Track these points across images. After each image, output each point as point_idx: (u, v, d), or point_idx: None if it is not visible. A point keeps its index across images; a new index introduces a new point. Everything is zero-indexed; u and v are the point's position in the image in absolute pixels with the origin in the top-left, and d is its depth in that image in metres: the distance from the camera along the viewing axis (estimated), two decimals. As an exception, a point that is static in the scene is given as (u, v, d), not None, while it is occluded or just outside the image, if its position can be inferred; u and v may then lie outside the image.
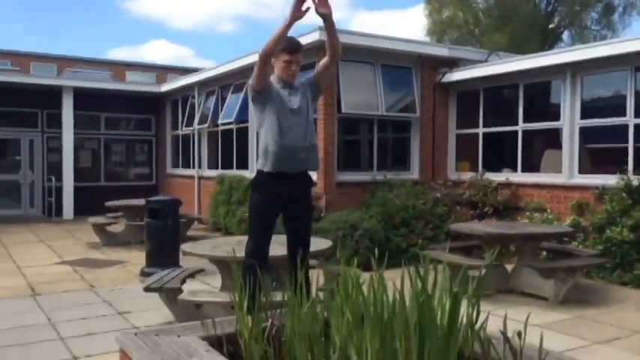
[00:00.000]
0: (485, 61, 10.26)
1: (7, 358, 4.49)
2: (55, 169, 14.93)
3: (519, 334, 2.75)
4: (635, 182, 7.36)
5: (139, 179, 16.88)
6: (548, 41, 35.42)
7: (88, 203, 14.09)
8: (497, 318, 2.79)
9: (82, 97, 14.85)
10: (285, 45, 3.76)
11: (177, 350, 3.02)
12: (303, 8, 3.62)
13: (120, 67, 34.02)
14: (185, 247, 5.28)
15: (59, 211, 14.62)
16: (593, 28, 35.78)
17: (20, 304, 6.26)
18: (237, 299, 3.31)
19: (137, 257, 9.02)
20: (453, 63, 10.31)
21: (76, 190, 14.72)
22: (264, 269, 3.68)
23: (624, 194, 7.34)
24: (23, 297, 6.58)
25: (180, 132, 15.30)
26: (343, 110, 9.50)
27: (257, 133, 10.83)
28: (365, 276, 2.98)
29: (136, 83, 17.67)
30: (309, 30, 9.23)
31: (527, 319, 2.67)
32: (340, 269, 3.14)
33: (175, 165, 15.94)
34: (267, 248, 3.88)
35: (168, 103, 16.13)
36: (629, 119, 7.74)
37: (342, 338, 2.88)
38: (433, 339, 2.69)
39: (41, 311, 5.93)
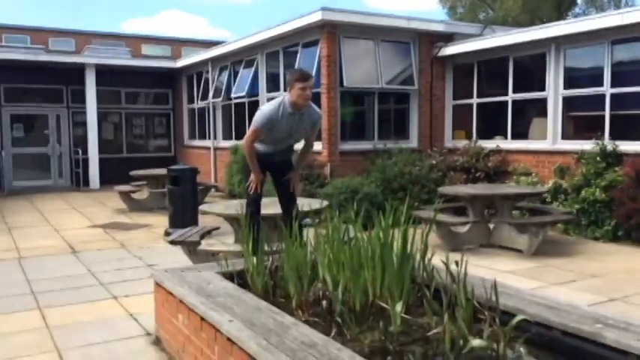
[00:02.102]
0: (480, 35, 10.88)
1: (64, 296, 5.48)
2: (81, 142, 15.96)
3: (457, 262, 3.61)
4: (609, 147, 8.07)
5: (159, 150, 17.86)
6: (562, 7, 35.17)
7: (111, 173, 15.15)
8: (475, 267, 3.57)
9: (104, 73, 15.75)
10: (299, 75, 4.58)
11: (198, 281, 3.94)
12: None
13: (136, 41, 34.68)
14: (203, 207, 6.19)
15: (86, 181, 15.69)
16: (606, -7, 35.36)
17: (64, 259, 7.25)
18: (245, 243, 4.21)
19: (160, 221, 9.99)
20: (449, 37, 10.96)
21: (101, 161, 15.77)
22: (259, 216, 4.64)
23: (599, 158, 8.08)
24: (65, 254, 7.57)
25: (195, 105, 16.16)
26: (345, 84, 10.25)
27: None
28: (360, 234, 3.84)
29: (153, 58, 18.56)
30: (310, 11, 9.93)
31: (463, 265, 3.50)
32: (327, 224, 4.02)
33: (192, 137, 16.85)
34: (260, 199, 4.86)
35: (184, 77, 16.96)
36: (606, 89, 8.41)
37: (324, 269, 3.76)
38: (390, 268, 3.57)
39: (82, 264, 6.91)
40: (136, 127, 17.93)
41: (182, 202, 8.50)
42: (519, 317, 2.81)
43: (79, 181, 15.87)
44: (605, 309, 4.16)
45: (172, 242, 5.89)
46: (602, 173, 7.97)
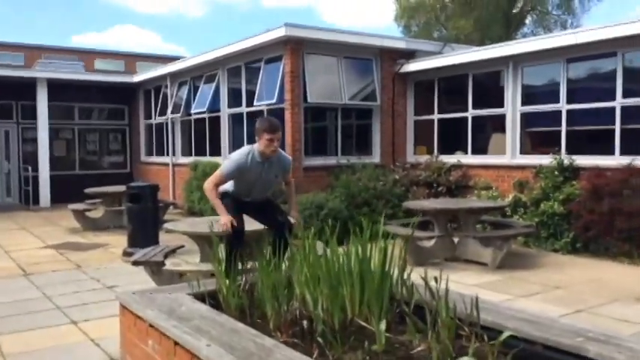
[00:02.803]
0: (440, 52, 11.10)
1: (18, 322, 5.17)
2: (31, 159, 15.35)
3: (435, 279, 3.58)
4: (566, 161, 8.31)
5: (114, 167, 17.37)
6: (511, 26, 36.44)
7: (64, 191, 14.58)
8: (442, 282, 3.52)
9: (56, 88, 15.24)
10: (267, 126, 4.41)
11: (169, 303, 3.77)
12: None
13: (88, 55, 33.93)
14: (167, 225, 5.99)
15: (36, 199, 15.07)
16: (554, 13, 36.79)
17: (15, 282, 6.88)
18: (217, 263, 4.08)
19: (118, 240, 9.66)
20: (410, 54, 11.12)
21: (52, 178, 15.19)
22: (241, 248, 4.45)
23: (556, 172, 8.30)
24: (16, 276, 7.18)
25: (153, 121, 15.82)
26: (309, 100, 10.24)
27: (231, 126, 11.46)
28: (328, 249, 3.76)
29: (109, 73, 18.12)
30: (274, 26, 9.91)
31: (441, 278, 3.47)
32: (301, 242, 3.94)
33: (149, 153, 16.48)
34: (243, 231, 4.60)
35: (141, 92, 16.61)
36: (562, 105, 8.68)
37: (302, 287, 3.67)
38: (369, 284, 3.51)
39: (35, 287, 6.56)
40: (90, 144, 17.40)
41: (142, 221, 8.24)
42: (507, 333, 2.79)
43: (28, 200, 15.24)
44: (573, 321, 4.21)
45: (135, 263, 5.66)
46: (560, 187, 8.19)
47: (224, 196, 4.62)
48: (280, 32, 9.82)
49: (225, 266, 4.06)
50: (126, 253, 8.23)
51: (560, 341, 2.93)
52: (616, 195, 7.32)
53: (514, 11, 36.83)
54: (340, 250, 3.74)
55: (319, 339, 3.22)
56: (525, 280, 6.50)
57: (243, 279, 4.08)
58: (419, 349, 3.04)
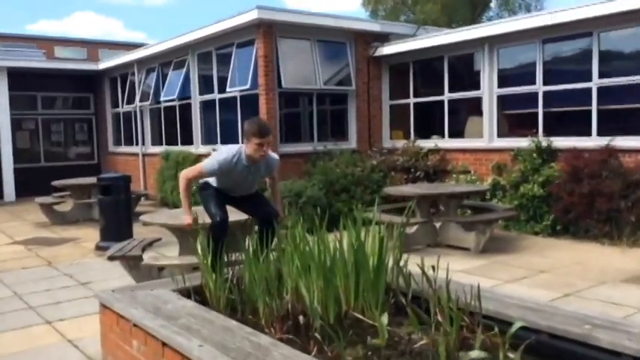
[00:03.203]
0: (414, 35, 10.96)
1: (-14, 325, 4.87)
2: (-7, 152, 14.70)
3: (433, 267, 3.46)
4: (544, 144, 8.31)
5: (81, 158, 16.81)
6: (477, 10, 36.74)
7: (29, 185, 14.06)
8: (428, 268, 3.40)
9: (16, 76, 14.59)
10: (256, 130, 4.10)
11: (153, 300, 3.56)
12: None
13: (48, 43, 32.84)
14: (145, 217, 5.73)
15: (0, 193, 14.48)
16: (519, -4, 37.10)
17: (-18, 281, 6.53)
18: (202, 256, 3.88)
19: (89, 234, 9.32)
20: (384, 37, 10.96)
21: (16, 171, 14.61)
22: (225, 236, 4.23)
23: (535, 155, 8.29)
24: (-17, 275, 6.83)
25: (120, 110, 15.33)
26: (283, 85, 10.00)
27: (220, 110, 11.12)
28: (309, 238, 3.59)
29: (72, 61, 17.47)
30: (247, 9, 9.62)
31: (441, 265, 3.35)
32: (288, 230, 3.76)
33: (118, 143, 15.99)
34: (226, 219, 4.37)
35: (106, 80, 16.06)
36: (539, 87, 8.66)
37: (293, 280, 3.50)
38: (366, 275, 3.37)
39: (4, 286, 6.23)
40: (55, 134, 16.76)
41: (115, 213, 7.95)
42: (518, 324, 2.69)
43: (-9, 194, 14.63)
44: (564, 305, 4.17)
45: (111, 258, 5.40)
46: (539, 169, 8.18)
47: (206, 187, 4.39)
48: (252, 15, 9.53)
49: (211, 259, 3.86)
50: (98, 248, 7.93)
51: (569, 330, 2.84)
52: (595, 176, 7.34)
53: (479, -5, 37.01)
54: (331, 238, 3.59)
55: (316, 335, 3.08)
56: (510, 264, 6.47)
57: (230, 272, 3.90)
58: (422, 342, 2.92)
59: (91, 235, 9.12)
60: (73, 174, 12.77)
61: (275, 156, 4.51)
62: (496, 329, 2.72)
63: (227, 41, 10.74)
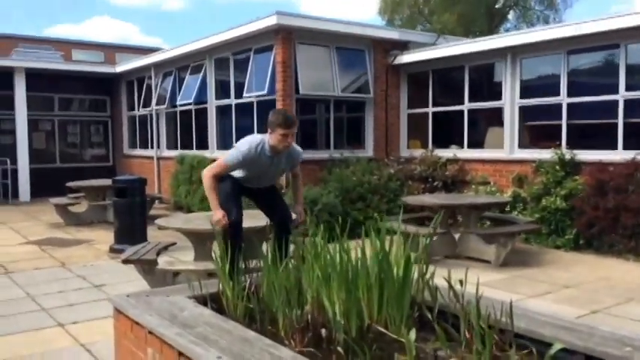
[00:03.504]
0: (434, 44, 10.84)
1: (1, 326, 4.79)
2: (10, 152, 14.76)
3: (460, 282, 3.32)
4: (567, 156, 8.13)
5: (96, 160, 16.86)
6: (494, 21, 36.60)
7: (44, 185, 14.09)
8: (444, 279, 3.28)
9: (35, 77, 14.68)
10: (282, 121, 4.01)
11: (169, 307, 3.45)
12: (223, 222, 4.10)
13: (65, 46, 33.07)
14: (160, 221, 5.64)
15: (15, 193, 14.53)
16: (536, 8, 36.98)
17: (-5, 281, 6.48)
18: (219, 264, 3.76)
19: (103, 235, 9.27)
20: (403, 46, 10.85)
21: (32, 172, 14.67)
22: (241, 240, 4.12)
23: (558, 167, 8.11)
24: (-4, 275, 6.78)
25: (137, 113, 15.35)
26: (301, 92, 9.91)
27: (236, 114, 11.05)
28: (329, 247, 3.47)
29: (89, 63, 17.59)
30: (266, 14, 9.56)
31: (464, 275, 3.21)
32: (306, 239, 3.64)
33: (133, 146, 16.00)
34: (241, 221, 4.28)
35: (123, 83, 16.10)
36: (563, 98, 8.48)
37: (314, 290, 3.37)
38: (390, 288, 3.23)
39: (17, 287, 6.17)
40: (71, 136, 16.83)
41: (129, 216, 7.87)
42: (558, 346, 2.53)
43: (7, 194, 14.65)
44: (593, 322, 4.00)
45: (126, 261, 5.31)
46: (562, 182, 8.00)
47: (224, 178, 4.26)
48: (271, 21, 9.47)
49: (229, 266, 3.74)
50: (113, 250, 7.86)
51: (608, 352, 2.69)
52: (621, 190, 7.15)
53: (497, 6, 36.96)
54: (351, 246, 3.46)
55: (339, 349, 2.95)
56: (532, 278, 6.29)
57: (248, 280, 3.78)
58: (450, 360, 2.78)
59: (105, 237, 9.06)
60: (88, 175, 12.81)
61: (299, 148, 4.40)
62: (534, 350, 2.56)
63: (245, 46, 10.69)
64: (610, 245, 7.26)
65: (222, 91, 11.75)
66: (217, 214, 4.13)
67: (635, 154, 7.41)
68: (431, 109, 10.60)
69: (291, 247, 4.31)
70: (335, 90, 10.33)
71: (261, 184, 4.34)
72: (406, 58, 10.63)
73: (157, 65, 13.82)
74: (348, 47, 10.55)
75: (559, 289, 5.82)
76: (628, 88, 7.75)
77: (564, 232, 7.76)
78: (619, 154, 7.68)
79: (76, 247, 8.57)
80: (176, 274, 5.12)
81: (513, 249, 7.25)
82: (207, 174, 4.13)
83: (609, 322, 4.59)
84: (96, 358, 4.05)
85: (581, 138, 8.37)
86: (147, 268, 5.44)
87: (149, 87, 14.44)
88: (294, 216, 4.57)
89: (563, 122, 8.48)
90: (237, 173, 4.25)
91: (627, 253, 7.07)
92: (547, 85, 8.84)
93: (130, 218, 7.84)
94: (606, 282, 6.03)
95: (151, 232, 8.21)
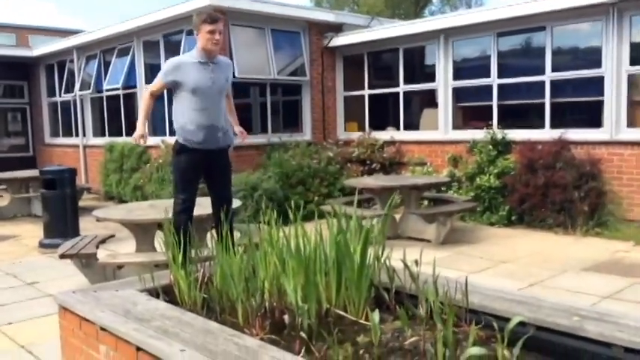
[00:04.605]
0: (368, 26, 10.91)
1: None
2: None
3: (416, 262, 3.39)
4: (499, 136, 8.45)
5: (14, 150, 15.85)
6: (419, 4, 37.39)
7: (-43, 178, 13.13)
8: (393, 260, 3.33)
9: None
10: (206, 17, 3.94)
11: (121, 302, 3.31)
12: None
13: (-29, 28, 30.81)
14: (98, 213, 5.38)
15: None
16: (460, -8, 38.01)
17: None
18: (170, 254, 3.64)
19: (29, 230, 8.78)
20: (338, 28, 10.85)
21: (-57, 164, 13.61)
22: (191, 226, 3.99)
23: (490, 146, 8.42)
24: None
25: (58, 99, 14.53)
26: (236, 75, 9.67)
27: (169, 99, 10.72)
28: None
29: (2, 47, 16.37)
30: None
31: (420, 256, 3.27)
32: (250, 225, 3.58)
33: (55, 134, 15.16)
34: (193, 205, 4.17)
35: (42, 68, 15.17)
36: (493, 80, 8.79)
37: (270, 277, 3.33)
38: (349, 271, 3.24)
39: (-60, 289, 5.74)
40: (-14, 125, 15.75)
41: (60, 209, 7.47)
42: (517, 318, 2.62)
43: None
44: (531, 294, 4.21)
45: (63, 256, 5.04)
46: (494, 161, 8.31)
47: (182, 150, 4.11)
48: (204, 1, 9.18)
49: (181, 256, 3.62)
50: (43, 245, 7.45)
51: (558, 322, 2.82)
52: (549, 168, 7.52)
53: (422, -12, 37.65)
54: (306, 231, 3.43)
55: (302, 334, 2.93)
56: (471, 255, 6.52)
57: (201, 270, 3.68)
58: (412, 339, 2.82)
59: (32, 231, 8.58)
60: (6, 167, 12.02)
61: (227, 59, 4.42)
62: (495, 325, 2.65)
63: (176, 28, 10.33)
64: (541, 220, 7.64)
65: (153, 74, 11.29)
66: (138, 131, 4.16)
67: (562, 133, 7.80)
68: (367, 92, 10.70)
69: (237, 234, 4.24)
70: (271, 73, 10.20)
71: (213, 118, 4.13)
72: (341, 40, 10.65)
73: (80, 48, 13.11)
74: (283, 29, 10.43)
75: (497, 265, 6.07)
76: (554, 69, 8.12)
77: (497, 209, 8.09)
78: (547, 133, 8.06)
79: (1, 243, 8.06)
80: (119, 267, 4.92)
81: (452, 227, 7.48)
82: (145, 94, 4.22)
83: (546, 293, 4.83)
84: (39, 359, 3.83)
85: (512, 118, 8.72)
86: (85, 262, 5.19)
87: (71, 71, 13.68)
88: (236, 141, 4.58)
89: (494, 103, 8.79)
90: (189, 106, 4.08)
91: (557, 227, 7.46)
92: (478, 67, 9.12)
93: (61, 211, 7.45)
94: (540, 256, 6.35)
95: (83, 225, 7.86)
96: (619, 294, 4.85)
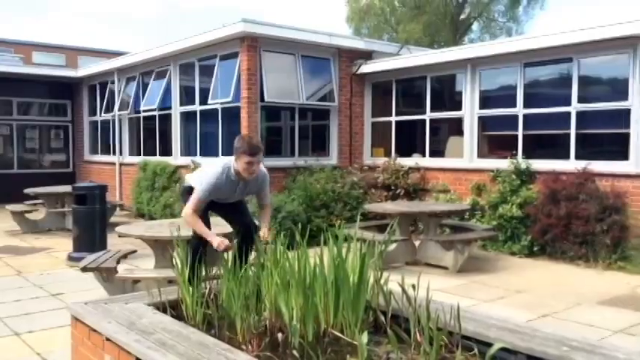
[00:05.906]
0: (397, 54, 11.06)
1: (-49, 336, 4.69)
2: (-35, 156, 14.37)
3: (413, 286, 3.44)
4: (523, 165, 8.40)
5: (55, 166, 16.50)
6: (459, 31, 37.35)
7: (0, 192, 13.74)
8: (406, 286, 3.38)
9: (-8, 81, 14.36)
10: (246, 148, 4.01)
11: (128, 314, 3.47)
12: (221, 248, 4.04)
13: (25, 48, 32.31)
14: (120, 229, 5.61)
15: (-30, 199, 14.12)
16: (499, 20, 37.87)
17: (-52, 289, 6.32)
18: (179, 270, 3.79)
19: (61, 243, 9.12)
20: (368, 55, 11.03)
21: (-12, 178, 14.30)
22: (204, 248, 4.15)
23: (514, 176, 8.37)
24: (-51, 283, 6.61)
25: (98, 118, 15.13)
26: (266, 99, 9.98)
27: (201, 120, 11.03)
28: (289, 254, 3.54)
29: (50, 67, 17.23)
30: (233, 21, 9.62)
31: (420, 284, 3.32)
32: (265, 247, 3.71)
33: (94, 151, 15.75)
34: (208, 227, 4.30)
35: (85, 88, 15.86)
36: (519, 110, 8.77)
37: (272, 296, 3.44)
38: (346, 293, 3.32)
39: (-28, 296, 6.04)
40: (30, 141, 16.45)
41: (89, 224, 7.78)
42: (498, 345, 2.67)
43: (-39, 200, 14.24)
44: (541, 326, 4.17)
45: (85, 269, 5.27)
46: (518, 190, 8.26)
47: (191, 191, 4.27)
48: (237, 28, 9.52)
49: (188, 273, 3.78)
50: (71, 258, 7.74)
51: (547, 351, 2.84)
52: (572, 199, 7.43)
53: (462, 17, 37.71)
54: (311, 254, 3.53)
55: (294, 352, 3.02)
56: (487, 284, 6.48)
57: (208, 287, 3.82)
58: (402, 362, 2.88)
59: (63, 244, 8.92)
60: (47, 182, 12.52)
61: (264, 170, 4.38)
62: (475, 350, 2.69)
63: (210, 53, 10.70)
64: (562, 252, 7.53)
65: (187, 97, 11.71)
66: (216, 241, 4.05)
67: (586, 164, 7.71)
68: (394, 118, 10.80)
69: (252, 255, 4.36)
70: (300, 98, 10.43)
71: (226, 202, 4.35)
72: (370, 67, 10.82)
73: (121, 70, 13.68)
74: (313, 55, 10.67)
75: (512, 294, 6.02)
76: (580, 100, 8.07)
77: (519, 239, 8.01)
78: (571, 164, 7.98)
79: (33, 255, 8.41)
80: (136, 281, 5.11)
81: (471, 255, 7.45)
82: (187, 213, 4.11)
83: (556, 325, 4.79)
84: (52, 366, 4.02)
85: (536, 148, 8.67)
86: (106, 276, 5.40)
87: (112, 92, 14.26)
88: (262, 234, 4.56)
89: (520, 132, 8.76)
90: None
91: (578, 259, 7.35)
92: (505, 96, 9.12)
93: (90, 226, 7.75)
94: (557, 287, 6.26)
95: (112, 240, 8.13)
96: (631, 328, 4.76)
